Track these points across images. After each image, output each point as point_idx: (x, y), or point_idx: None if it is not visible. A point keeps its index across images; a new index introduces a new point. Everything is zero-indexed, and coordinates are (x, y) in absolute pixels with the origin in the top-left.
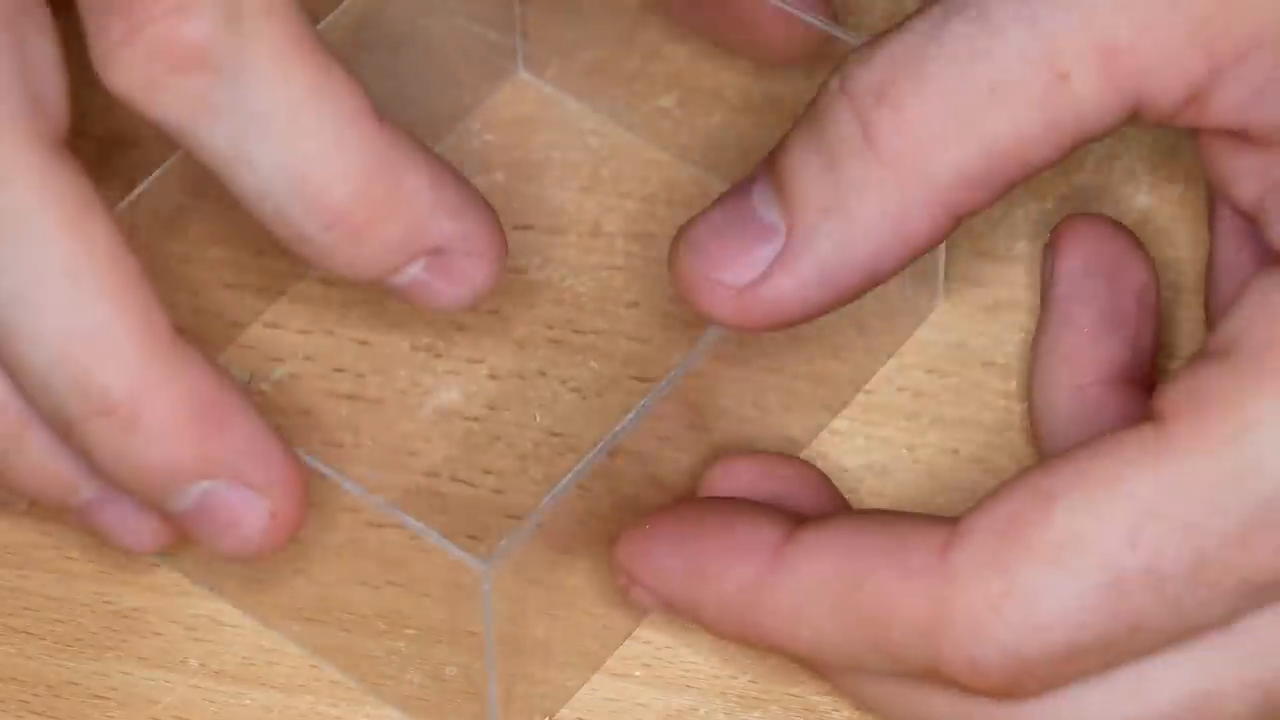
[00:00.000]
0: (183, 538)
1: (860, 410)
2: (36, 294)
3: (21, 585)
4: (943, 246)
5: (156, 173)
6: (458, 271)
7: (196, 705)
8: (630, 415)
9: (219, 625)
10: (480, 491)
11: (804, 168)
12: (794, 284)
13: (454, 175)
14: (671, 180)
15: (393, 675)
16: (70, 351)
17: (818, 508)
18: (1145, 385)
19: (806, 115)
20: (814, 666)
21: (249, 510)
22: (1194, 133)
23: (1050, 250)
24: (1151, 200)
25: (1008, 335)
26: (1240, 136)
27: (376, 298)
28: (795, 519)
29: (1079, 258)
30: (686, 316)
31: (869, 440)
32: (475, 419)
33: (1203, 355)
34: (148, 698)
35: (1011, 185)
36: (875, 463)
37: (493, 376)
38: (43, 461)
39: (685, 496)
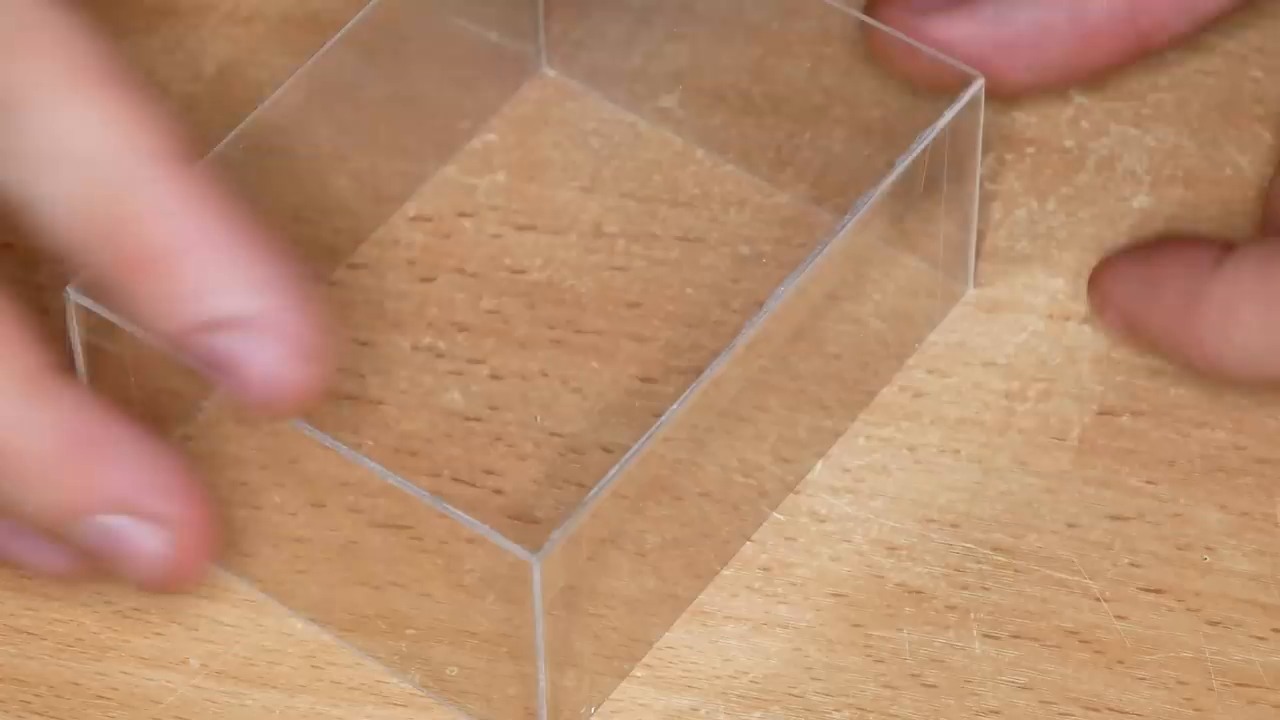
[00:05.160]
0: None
1: (863, 411)
2: None
3: (22, 585)
4: (974, 232)
5: None
6: (257, 352)
7: (198, 705)
8: (664, 418)
9: (220, 625)
10: (481, 492)
11: None
12: (969, 26)
13: (275, 251)
14: (674, 181)
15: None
16: None
17: None
18: None
19: None
20: (1242, 377)
21: (146, 542)
22: None
23: None
24: (1151, 200)
25: (1008, 335)
26: None
27: (378, 298)
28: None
29: None
30: (688, 317)
31: (869, 440)
32: (476, 419)
33: None
34: (149, 698)
35: (1198, 9)
36: (876, 462)
37: (494, 377)
38: None
39: None
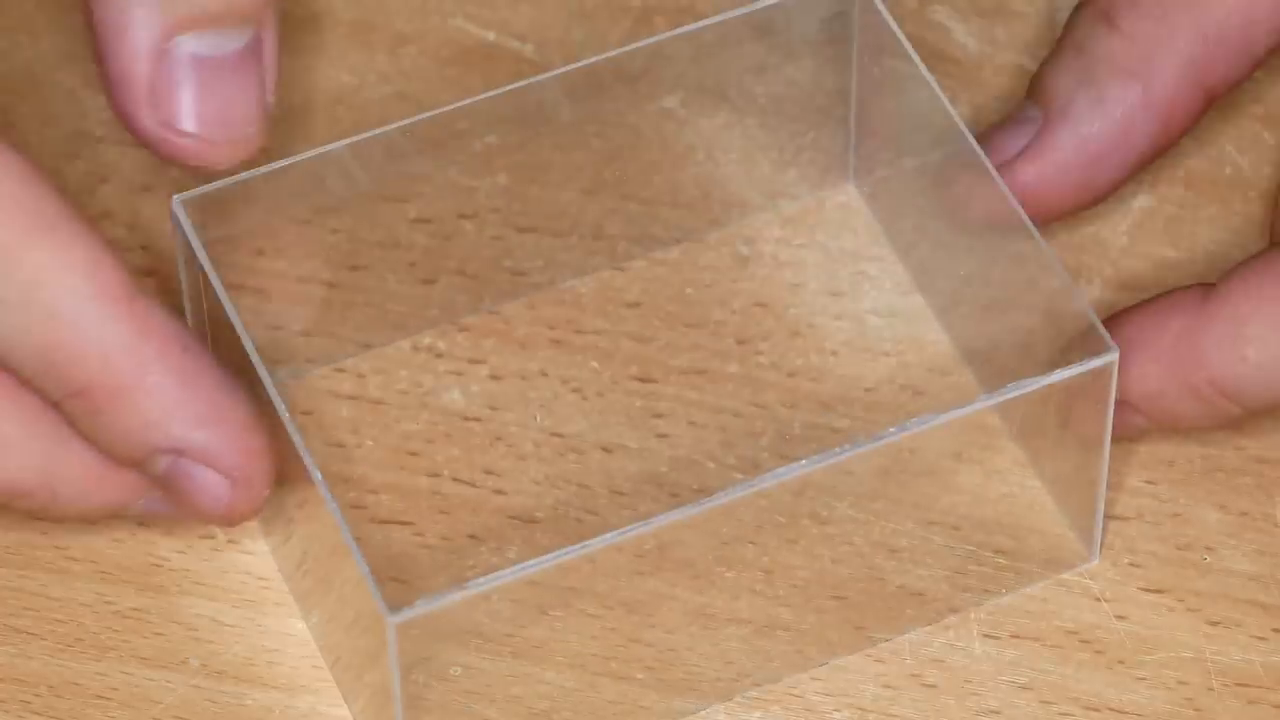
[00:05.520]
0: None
1: (862, 409)
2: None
3: (22, 585)
4: (1101, 499)
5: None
6: (195, 482)
7: (198, 705)
8: (609, 536)
9: (220, 625)
10: (481, 492)
11: (1055, 67)
12: (1055, 156)
13: (211, 381)
14: (674, 183)
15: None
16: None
17: None
18: None
19: (1058, 42)
20: (1262, 401)
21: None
22: None
23: None
24: (1151, 200)
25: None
26: None
27: (378, 300)
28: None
29: None
30: (688, 317)
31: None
32: (476, 419)
33: None
34: (149, 698)
35: (1255, 53)
36: (878, 465)
37: (494, 377)
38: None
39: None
